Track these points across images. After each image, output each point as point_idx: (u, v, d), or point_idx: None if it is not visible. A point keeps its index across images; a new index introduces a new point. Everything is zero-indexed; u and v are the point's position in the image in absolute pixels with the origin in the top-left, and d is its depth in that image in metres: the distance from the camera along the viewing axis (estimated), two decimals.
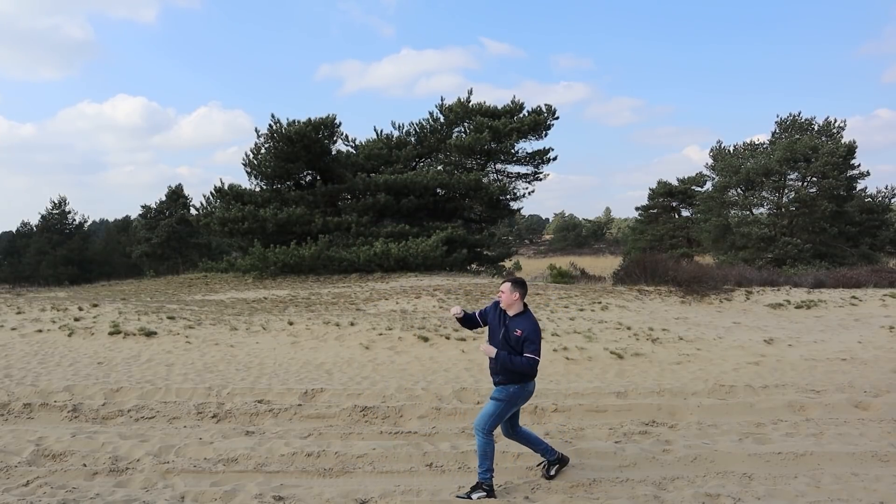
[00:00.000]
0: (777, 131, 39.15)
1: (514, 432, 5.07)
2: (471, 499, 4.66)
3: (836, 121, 37.46)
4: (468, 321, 5.12)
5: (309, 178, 28.09)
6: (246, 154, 27.54)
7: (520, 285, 4.85)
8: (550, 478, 5.03)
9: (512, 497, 4.73)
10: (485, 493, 4.70)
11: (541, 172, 31.77)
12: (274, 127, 25.99)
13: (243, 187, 27.38)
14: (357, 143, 30.45)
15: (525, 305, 4.87)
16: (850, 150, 33.60)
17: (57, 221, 45.24)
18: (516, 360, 4.62)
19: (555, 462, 5.09)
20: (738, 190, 35.50)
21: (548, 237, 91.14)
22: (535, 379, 4.89)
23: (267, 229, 24.82)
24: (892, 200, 39.79)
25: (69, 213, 46.15)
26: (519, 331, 4.66)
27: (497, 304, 4.90)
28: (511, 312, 4.81)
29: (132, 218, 49.89)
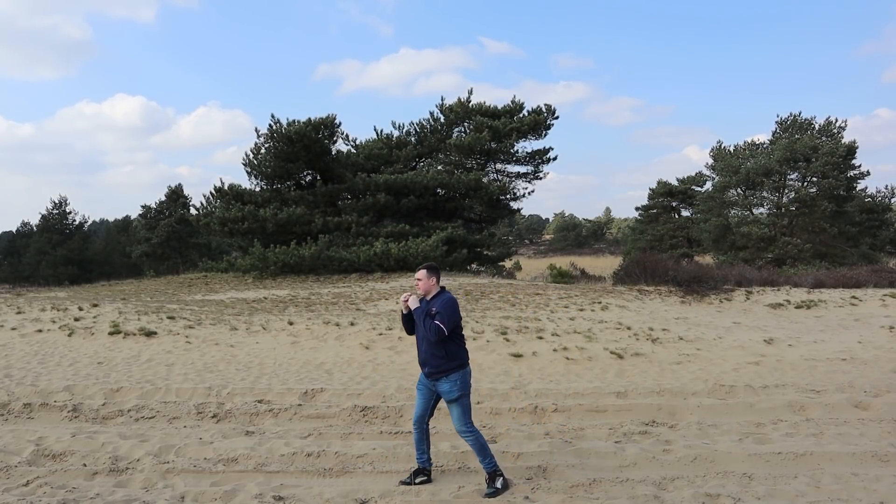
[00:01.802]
0: (777, 131, 39.14)
1: (425, 424, 5.03)
2: (498, 488, 4.78)
3: (836, 121, 37.46)
4: (410, 321, 5.09)
5: (309, 178, 28.08)
6: (246, 154, 27.56)
7: (434, 270, 5.03)
8: (408, 483, 4.92)
9: (512, 497, 4.73)
10: (502, 478, 4.85)
11: (540, 172, 31.84)
12: (274, 127, 25.99)
13: (243, 187, 27.39)
14: (357, 142, 30.49)
15: (442, 288, 5.03)
16: (851, 150, 33.59)
17: (57, 221, 45.23)
18: (427, 322, 4.80)
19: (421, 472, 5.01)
20: (738, 190, 35.50)
21: (548, 237, 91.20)
22: (470, 365, 5.02)
23: (267, 229, 24.82)
24: (892, 200, 39.84)
25: (69, 213, 46.17)
26: (434, 309, 4.84)
27: (423, 299, 5.02)
28: (429, 297, 4.97)
29: (132, 218, 49.92)
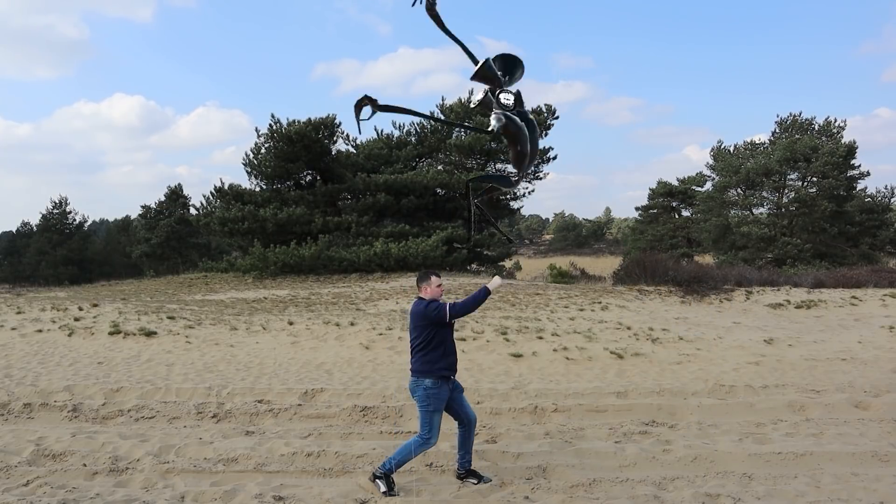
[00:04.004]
0: (777, 131, 39.13)
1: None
2: (491, 480, 4.95)
3: (836, 121, 37.43)
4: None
5: (309, 178, 28.10)
6: (246, 154, 27.61)
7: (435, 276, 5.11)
8: (377, 479, 4.79)
9: (512, 497, 4.73)
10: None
11: (540, 172, 31.84)
12: (274, 127, 26.02)
13: (243, 187, 27.42)
14: (357, 142, 30.49)
15: (419, 298, 5.09)
16: (851, 150, 33.56)
17: (57, 221, 45.17)
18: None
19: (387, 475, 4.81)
20: (738, 190, 35.48)
21: (548, 237, 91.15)
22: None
23: (267, 229, 24.82)
24: (892, 200, 39.75)
25: (69, 213, 46.11)
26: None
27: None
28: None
29: (132, 218, 49.87)
